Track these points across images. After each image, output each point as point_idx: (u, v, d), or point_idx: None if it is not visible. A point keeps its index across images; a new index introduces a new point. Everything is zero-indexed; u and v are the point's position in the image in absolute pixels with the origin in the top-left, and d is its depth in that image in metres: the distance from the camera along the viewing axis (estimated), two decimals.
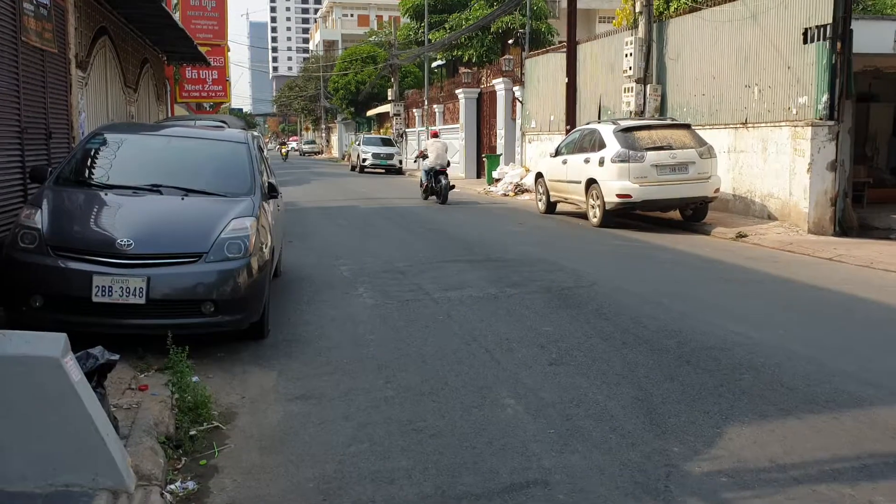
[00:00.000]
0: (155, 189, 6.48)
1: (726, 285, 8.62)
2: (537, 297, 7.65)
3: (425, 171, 19.38)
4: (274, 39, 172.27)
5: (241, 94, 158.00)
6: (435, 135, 21.91)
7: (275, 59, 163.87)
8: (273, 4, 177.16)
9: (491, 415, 4.62)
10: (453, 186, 19.12)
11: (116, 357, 4.12)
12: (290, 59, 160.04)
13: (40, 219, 5.80)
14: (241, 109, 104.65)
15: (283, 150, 57.49)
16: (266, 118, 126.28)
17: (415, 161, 28.58)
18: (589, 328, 6.50)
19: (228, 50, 36.48)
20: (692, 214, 14.02)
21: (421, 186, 19.83)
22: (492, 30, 35.21)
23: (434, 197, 19.05)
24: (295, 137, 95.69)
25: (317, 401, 4.97)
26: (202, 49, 21.10)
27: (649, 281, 8.71)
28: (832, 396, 4.89)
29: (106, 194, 6.43)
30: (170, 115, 20.51)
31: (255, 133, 35.00)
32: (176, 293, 5.68)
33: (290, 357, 5.94)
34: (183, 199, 6.40)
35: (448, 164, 19.46)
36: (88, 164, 6.89)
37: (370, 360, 5.80)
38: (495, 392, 5.00)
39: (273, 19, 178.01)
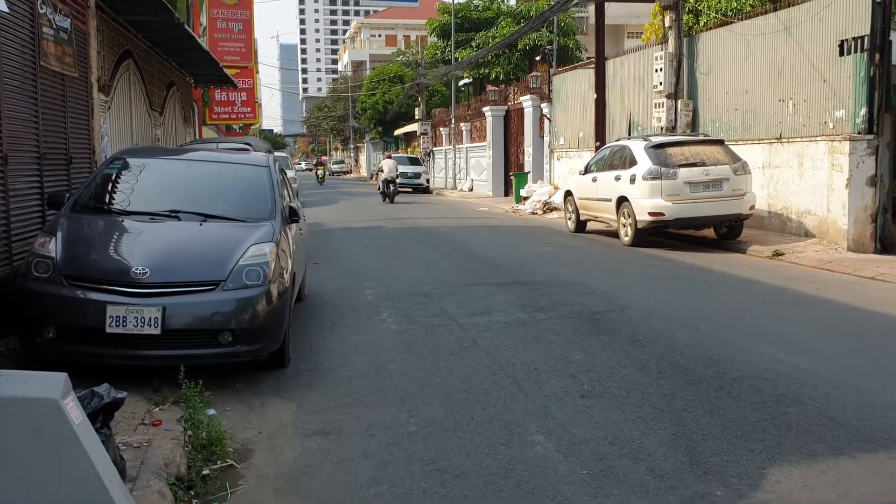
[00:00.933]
0: (173, 215, 6.32)
1: (765, 307, 8.26)
2: (567, 323, 7.37)
3: (382, 181, 27.92)
4: (304, 61, 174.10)
5: (272, 116, 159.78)
6: (389, 156, 31.22)
7: (304, 81, 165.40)
8: (302, 27, 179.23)
9: (519, 453, 4.35)
10: (398, 192, 28.07)
11: (123, 395, 3.91)
12: (319, 79, 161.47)
13: (54, 247, 5.66)
14: (271, 130, 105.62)
15: (319, 172, 47.36)
16: (296, 139, 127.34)
17: (373, 176, 39.04)
18: (622, 356, 6.20)
19: (257, 72, 36.76)
20: (727, 232, 13.64)
21: (379, 191, 28.62)
22: (519, 47, 35.06)
23: (388, 199, 27.22)
24: (325, 157, 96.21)
25: (336, 436, 4.74)
26: (230, 72, 21.18)
27: (684, 303, 8.39)
28: (889, 433, 4.54)
29: (123, 221, 6.28)
30: (197, 137, 20.54)
31: (284, 154, 35.09)
32: (192, 323, 5.49)
33: (311, 388, 5.72)
34: (201, 224, 6.24)
35: (398, 175, 28.35)
36: (106, 189, 6.76)
37: (393, 391, 5.56)
38: (524, 427, 4.73)
39: (303, 41, 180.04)
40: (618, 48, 31.19)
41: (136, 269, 5.47)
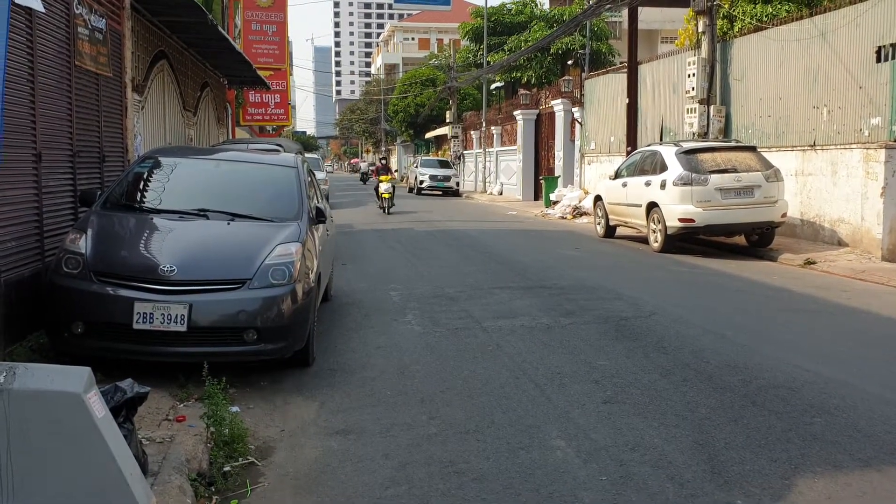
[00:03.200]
0: (202, 214, 6.39)
1: (794, 316, 8.15)
2: (593, 328, 7.33)
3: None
4: (338, 63, 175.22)
5: (306, 118, 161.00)
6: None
7: (338, 83, 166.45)
8: (337, 29, 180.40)
9: (539, 458, 4.33)
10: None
11: (147, 390, 3.96)
12: (352, 82, 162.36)
13: (84, 244, 5.74)
14: (304, 132, 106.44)
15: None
16: (328, 141, 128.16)
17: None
18: (647, 362, 6.15)
19: (291, 74, 37.03)
20: (758, 240, 13.48)
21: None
22: (551, 51, 34.98)
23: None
24: (356, 160, 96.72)
25: (357, 436, 4.75)
26: (264, 73, 21.36)
27: (713, 311, 8.30)
28: None
29: (152, 219, 6.36)
30: (230, 137, 20.75)
31: (315, 155, 35.18)
32: (218, 320, 5.54)
33: (333, 387, 5.74)
34: (229, 223, 6.30)
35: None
36: (136, 187, 6.86)
37: (414, 392, 5.56)
38: (544, 432, 4.71)
39: (337, 44, 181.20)
40: (651, 53, 31.01)
41: (164, 267, 5.54)
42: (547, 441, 4.56)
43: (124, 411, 3.82)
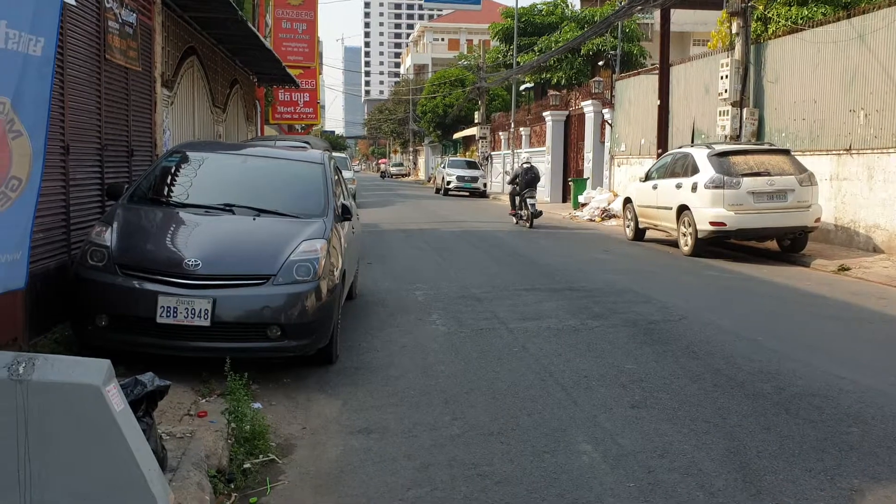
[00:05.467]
0: (227, 209, 6.36)
1: (829, 323, 7.95)
2: (621, 331, 7.19)
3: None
4: (367, 64, 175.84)
5: (335, 118, 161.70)
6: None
7: (367, 83, 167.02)
8: (367, 30, 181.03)
9: (564, 462, 4.22)
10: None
11: (167, 384, 3.91)
12: (381, 82, 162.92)
13: (110, 236, 5.73)
14: (332, 132, 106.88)
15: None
16: (357, 140, 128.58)
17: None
18: (677, 367, 6.01)
19: (320, 73, 37.15)
20: (790, 245, 13.22)
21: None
22: (582, 52, 34.73)
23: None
24: (384, 160, 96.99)
25: (379, 435, 4.68)
26: (293, 72, 21.41)
27: (744, 316, 8.12)
28: None
29: (178, 213, 6.34)
30: (259, 135, 20.81)
31: (343, 155, 35.22)
32: (242, 316, 5.50)
33: (357, 385, 5.67)
34: (255, 219, 6.26)
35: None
36: (163, 181, 6.84)
37: (438, 392, 5.48)
38: (570, 436, 4.60)
39: (367, 44, 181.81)
40: (683, 56, 30.68)
41: (189, 261, 5.50)
42: (573, 445, 4.45)
43: (144, 405, 3.78)
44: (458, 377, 5.83)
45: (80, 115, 6.81)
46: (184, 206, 6.45)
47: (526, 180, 18.84)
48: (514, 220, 19.40)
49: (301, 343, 5.68)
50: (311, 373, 5.93)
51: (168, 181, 6.86)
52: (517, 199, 19.21)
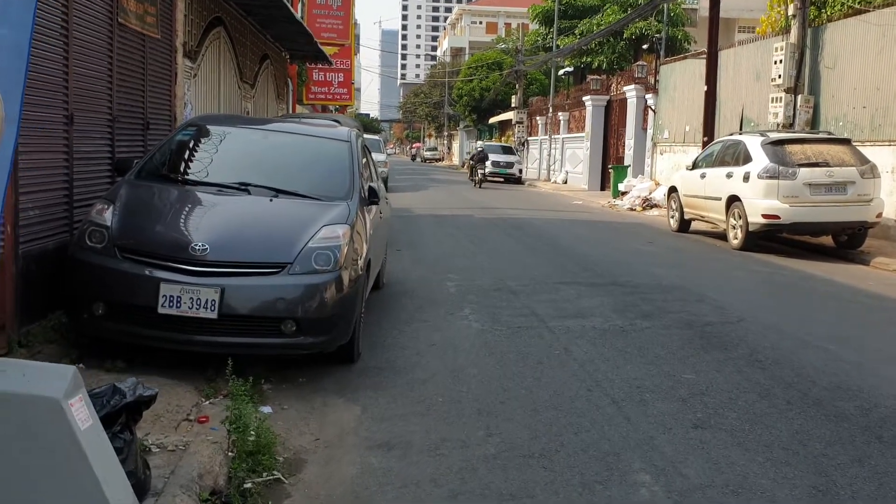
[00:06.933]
0: (243, 188, 5.76)
1: None
2: (675, 334, 6.48)
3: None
4: (404, 47, 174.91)
5: (370, 100, 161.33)
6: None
7: (403, 67, 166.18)
8: (405, 13, 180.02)
9: (620, 496, 3.56)
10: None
11: (153, 393, 3.31)
12: (417, 66, 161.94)
13: (111, 215, 5.16)
14: (368, 115, 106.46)
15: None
16: (391, 124, 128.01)
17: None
18: (741, 378, 5.30)
19: (355, 53, 36.52)
20: (847, 241, 12.35)
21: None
22: (625, 36, 33.71)
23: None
24: (418, 144, 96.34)
25: (402, 452, 4.06)
26: (328, 50, 20.79)
27: (808, 319, 7.37)
28: None
29: (188, 191, 5.75)
30: (290, 113, 20.25)
31: (377, 137, 34.64)
32: (252, 308, 4.90)
33: (379, 389, 5.06)
34: (271, 200, 5.65)
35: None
36: (176, 157, 6.27)
37: (470, 401, 4.84)
38: (625, 462, 3.93)
39: (404, 27, 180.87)
40: (727, 42, 29.54)
41: (196, 245, 4.92)
42: (628, 474, 3.79)
43: (123, 418, 3.19)
44: (492, 383, 5.19)
45: (87, 83, 6.23)
46: (195, 183, 5.87)
47: (479, 158, 30.03)
48: (472, 184, 29.68)
49: (319, 340, 5.08)
50: (329, 372, 5.34)
51: (180, 156, 6.28)
52: (474, 168, 30.07)
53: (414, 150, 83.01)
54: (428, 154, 78.77)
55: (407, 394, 4.98)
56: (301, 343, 5.03)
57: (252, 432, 4.03)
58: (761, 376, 5.36)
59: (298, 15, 16.98)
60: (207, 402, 4.61)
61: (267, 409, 4.64)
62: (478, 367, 5.55)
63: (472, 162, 30.87)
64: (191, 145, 6.40)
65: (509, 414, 4.61)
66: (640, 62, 26.01)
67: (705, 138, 18.30)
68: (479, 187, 28.21)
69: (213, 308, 4.78)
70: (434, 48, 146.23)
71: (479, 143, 39.35)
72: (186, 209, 5.54)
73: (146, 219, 5.34)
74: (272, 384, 5.10)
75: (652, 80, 23.94)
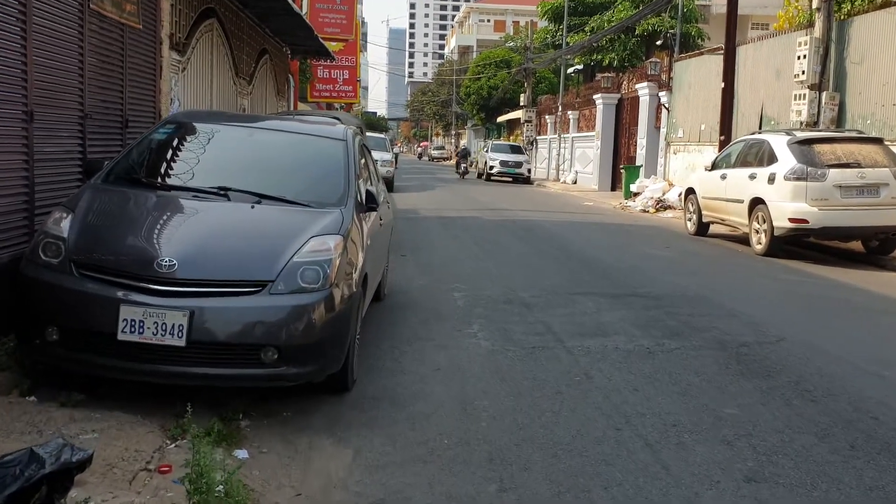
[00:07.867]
0: (222, 193, 5.08)
1: None
2: (708, 357, 5.79)
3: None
4: (412, 45, 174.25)
5: (378, 99, 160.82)
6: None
7: (411, 65, 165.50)
8: (412, 11, 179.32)
9: None
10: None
11: (86, 455, 2.66)
12: (425, 64, 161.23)
13: (68, 226, 4.50)
14: (375, 113, 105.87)
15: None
16: (399, 123, 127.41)
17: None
18: (791, 413, 4.61)
19: (360, 50, 35.87)
20: (878, 246, 11.65)
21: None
22: (636, 32, 32.95)
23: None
24: (425, 143, 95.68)
25: None
26: (332, 46, 20.16)
27: (853, 338, 6.65)
28: None
29: (160, 197, 5.08)
30: (290, 110, 19.62)
31: (383, 136, 34.11)
32: (227, 334, 4.22)
33: (375, 427, 4.39)
34: (253, 207, 4.96)
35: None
36: (149, 158, 5.59)
37: (480, 442, 4.16)
38: None
39: (412, 25, 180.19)
40: (741, 38, 28.79)
41: (163, 261, 4.25)
42: None
43: (44, 489, 2.53)
44: (505, 418, 4.51)
45: (50, 76, 5.59)
46: (169, 188, 5.21)
47: (462, 154, 38.05)
48: (459, 175, 35.86)
49: (305, 370, 4.40)
50: (318, 405, 4.66)
51: (154, 157, 5.61)
52: (459, 163, 37.15)
53: (421, 149, 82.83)
54: (436, 153, 78.15)
55: (407, 433, 4.30)
56: (284, 374, 4.35)
57: (220, 487, 3.37)
58: (814, 411, 4.66)
59: (302, 10, 16.33)
60: (173, 445, 3.95)
61: (242, 454, 3.97)
62: (488, 397, 4.87)
63: (457, 158, 39.98)
64: (167, 145, 5.73)
65: (525, 461, 3.92)
66: (652, 59, 25.27)
67: (722, 137, 17.58)
68: (463, 178, 35.09)
69: (180, 334, 4.11)
70: (442, 46, 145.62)
71: (486, 141, 44.87)
72: (155, 218, 4.85)
73: (108, 230, 4.67)
74: (251, 420, 4.43)
75: (665, 78, 23.20)
